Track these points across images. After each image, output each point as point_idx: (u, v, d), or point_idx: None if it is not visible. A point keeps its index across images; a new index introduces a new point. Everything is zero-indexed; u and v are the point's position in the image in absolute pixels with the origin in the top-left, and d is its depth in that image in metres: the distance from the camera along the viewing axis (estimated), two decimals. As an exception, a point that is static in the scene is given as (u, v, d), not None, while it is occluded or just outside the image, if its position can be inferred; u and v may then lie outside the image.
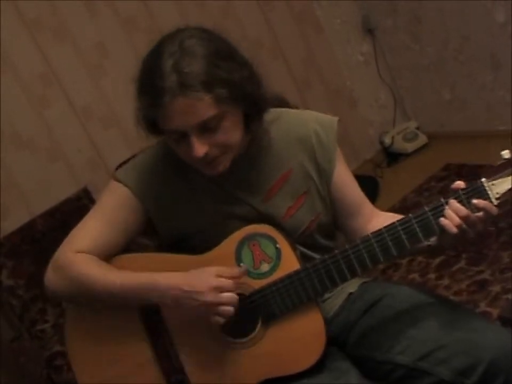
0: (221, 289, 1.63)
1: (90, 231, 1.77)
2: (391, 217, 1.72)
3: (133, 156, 1.93)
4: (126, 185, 1.78)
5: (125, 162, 1.94)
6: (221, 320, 1.64)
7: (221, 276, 1.65)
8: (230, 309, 1.63)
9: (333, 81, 4.63)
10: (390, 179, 4.51)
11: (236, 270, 1.68)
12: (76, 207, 3.41)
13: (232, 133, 1.65)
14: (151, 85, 1.59)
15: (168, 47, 1.59)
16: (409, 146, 4.65)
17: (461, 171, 4.00)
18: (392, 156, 4.71)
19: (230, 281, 1.64)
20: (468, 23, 4.04)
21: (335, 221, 1.89)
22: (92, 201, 3.42)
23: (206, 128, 1.60)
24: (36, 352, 3.09)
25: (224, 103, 1.59)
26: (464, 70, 4.25)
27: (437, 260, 3.31)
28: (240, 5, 4.28)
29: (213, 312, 1.64)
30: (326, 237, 1.87)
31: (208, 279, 1.64)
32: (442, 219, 1.56)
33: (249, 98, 1.65)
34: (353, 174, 4.25)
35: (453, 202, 1.56)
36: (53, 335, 3.09)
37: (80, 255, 1.74)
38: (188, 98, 1.55)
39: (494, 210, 1.55)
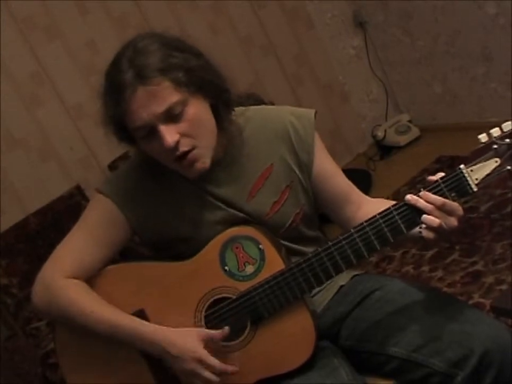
0: (205, 363, 1.64)
1: (75, 249, 1.77)
2: (381, 203, 1.72)
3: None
4: (108, 197, 1.78)
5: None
6: None
7: (206, 340, 1.66)
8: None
9: (324, 76, 4.64)
10: (382, 172, 4.51)
11: (218, 334, 1.68)
12: (69, 205, 3.41)
13: (199, 122, 1.66)
14: (112, 86, 1.64)
15: (123, 53, 1.65)
16: (402, 139, 4.66)
17: (453, 163, 4.01)
18: (384, 149, 4.71)
19: (214, 360, 1.65)
20: (458, 16, 4.04)
21: (327, 213, 1.89)
22: (85, 199, 3.42)
23: (172, 117, 1.62)
24: (31, 351, 3.09)
25: (183, 87, 1.61)
26: (456, 63, 4.26)
27: (431, 252, 3.32)
28: (232, 2, 4.27)
29: (191, 378, 1.67)
30: (310, 227, 1.88)
31: (194, 348, 1.65)
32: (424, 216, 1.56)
33: (210, 86, 1.67)
34: (346, 167, 4.26)
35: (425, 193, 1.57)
36: (47, 333, 3.09)
37: (66, 281, 1.73)
38: (147, 86, 1.59)
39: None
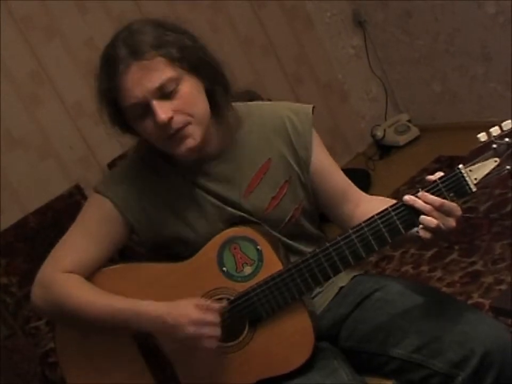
0: (202, 322, 1.63)
1: (73, 248, 1.76)
2: (379, 201, 1.72)
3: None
4: (105, 196, 1.77)
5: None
6: (207, 346, 1.65)
7: (200, 307, 1.65)
8: (211, 342, 1.64)
9: (324, 75, 4.64)
10: (382, 172, 4.52)
11: (214, 305, 1.67)
12: (68, 204, 3.41)
13: (193, 100, 1.65)
14: (105, 64, 1.65)
15: (118, 35, 1.66)
16: (401, 139, 4.66)
17: (452, 163, 4.00)
18: (384, 149, 4.72)
19: (210, 313, 1.64)
20: (458, 15, 4.04)
21: (324, 211, 1.88)
22: (85, 198, 3.42)
23: (165, 93, 1.61)
24: (30, 350, 3.08)
25: (176, 63, 1.62)
26: (455, 62, 4.26)
27: (430, 252, 3.32)
28: (232, 2, 4.27)
29: (195, 343, 1.65)
30: (310, 223, 1.87)
31: (188, 312, 1.64)
32: (422, 216, 1.55)
33: (204, 66, 1.67)
34: (346, 167, 4.25)
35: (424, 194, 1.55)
36: (46, 332, 3.09)
37: (64, 276, 1.73)
38: (140, 61, 1.59)
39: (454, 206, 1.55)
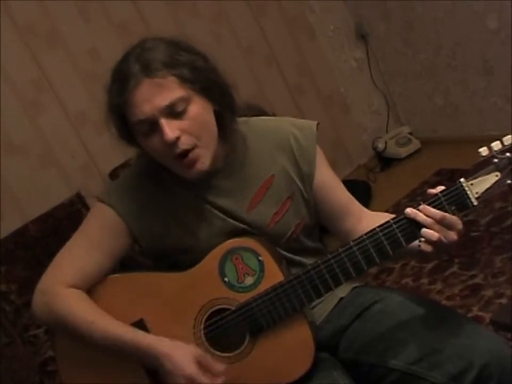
0: (193, 381, 1.63)
1: (76, 258, 1.76)
2: (381, 217, 1.72)
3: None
4: (109, 205, 1.77)
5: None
6: None
7: (200, 363, 1.65)
8: None
9: (326, 87, 4.65)
10: (383, 184, 4.52)
11: (216, 366, 1.67)
12: (69, 213, 3.41)
13: (201, 121, 1.65)
14: (116, 78, 1.64)
15: (131, 51, 1.66)
16: (402, 151, 4.67)
17: (453, 176, 4.01)
18: (385, 161, 4.72)
19: (204, 380, 1.64)
20: (460, 29, 4.05)
21: (326, 226, 1.88)
22: (85, 206, 3.42)
23: (174, 113, 1.61)
24: (29, 358, 3.08)
25: (188, 84, 1.61)
26: (457, 76, 4.27)
27: (430, 265, 3.31)
28: (234, 11, 4.29)
29: None
30: (311, 238, 1.88)
31: (186, 366, 1.64)
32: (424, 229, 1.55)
33: (215, 88, 1.67)
34: (347, 179, 4.24)
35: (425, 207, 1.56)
36: (45, 340, 3.09)
37: (66, 291, 1.73)
38: (152, 78, 1.59)
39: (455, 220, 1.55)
